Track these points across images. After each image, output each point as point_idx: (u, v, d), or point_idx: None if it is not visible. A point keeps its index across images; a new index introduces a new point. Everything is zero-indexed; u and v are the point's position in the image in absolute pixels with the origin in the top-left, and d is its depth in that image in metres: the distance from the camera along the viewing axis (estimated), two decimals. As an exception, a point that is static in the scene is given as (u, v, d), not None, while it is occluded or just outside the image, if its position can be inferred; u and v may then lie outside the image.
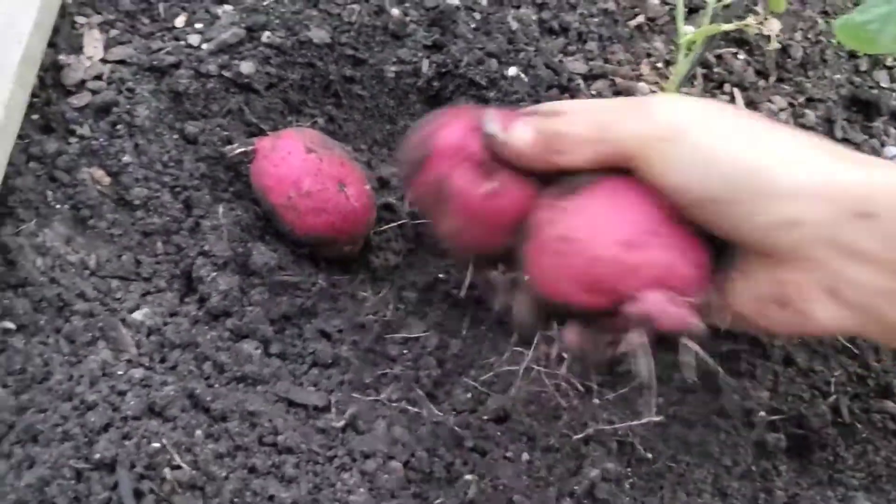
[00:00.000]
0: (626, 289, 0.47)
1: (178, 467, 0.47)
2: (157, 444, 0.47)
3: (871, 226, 0.42)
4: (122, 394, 0.51)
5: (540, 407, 0.62)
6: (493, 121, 0.49)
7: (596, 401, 0.63)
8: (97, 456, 0.46)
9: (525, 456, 0.58)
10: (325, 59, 0.70)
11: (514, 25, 0.71)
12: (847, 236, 0.43)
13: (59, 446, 0.47)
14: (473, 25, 0.71)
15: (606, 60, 0.70)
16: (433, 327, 0.64)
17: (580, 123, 0.47)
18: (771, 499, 0.56)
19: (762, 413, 0.59)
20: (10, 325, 0.54)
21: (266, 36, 0.69)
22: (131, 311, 0.58)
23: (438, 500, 0.52)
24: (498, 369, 0.63)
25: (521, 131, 0.48)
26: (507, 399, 0.61)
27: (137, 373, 0.53)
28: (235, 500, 0.47)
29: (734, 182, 0.44)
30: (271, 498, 0.47)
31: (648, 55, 0.72)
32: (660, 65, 0.72)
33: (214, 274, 0.61)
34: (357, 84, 0.70)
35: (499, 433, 0.60)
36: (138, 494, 0.45)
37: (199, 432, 0.50)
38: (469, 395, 0.62)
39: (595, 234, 0.47)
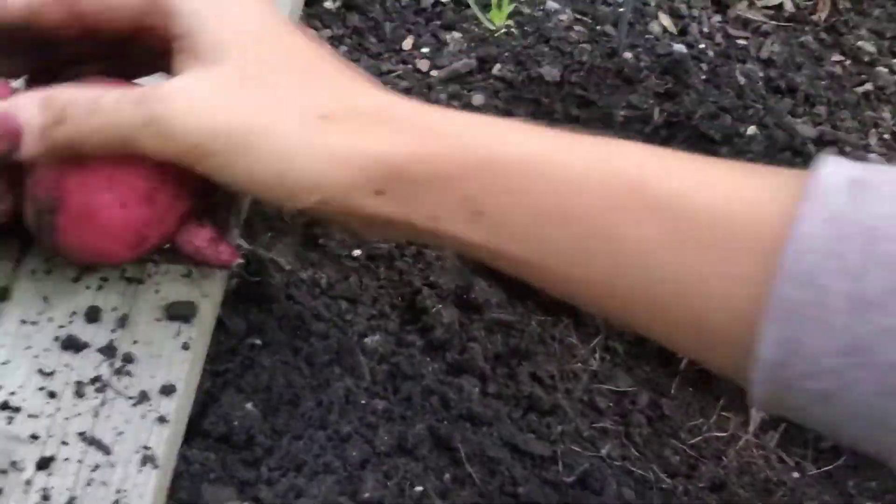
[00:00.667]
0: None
1: (443, 515, 0.47)
2: (419, 488, 0.47)
3: (384, 198, 0.43)
4: (371, 427, 0.51)
5: (752, 478, 0.62)
6: None
7: (800, 475, 0.62)
8: (366, 495, 0.46)
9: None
10: (553, 96, 0.69)
11: (742, 80, 0.70)
12: (369, 207, 0.43)
13: (325, 479, 0.47)
14: (703, 77, 0.70)
15: (835, 126, 0.69)
16: (642, 383, 0.64)
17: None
18: None
19: None
20: (257, 341, 0.55)
21: (497, 68, 0.69)
22: (362, 335, 0.58)
23: (673, 570, 0.51)
24: (707, 433, 0.62)
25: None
26: (720, 468, 0.60)
27: (380, 404, 0.53)
28: (497, 555, 0.47)
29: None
30: (535, 556, 0.47)
31: (876, 125, 0.71)
32: (887, 136, 0.70)
33: (439, 306, 0.61)
34: (583, 125, 0.70)
35: (714, 502, 0.59)
36: (406, 542, 0.45)
37: (447, 476, 0.50)
38: (678, 457, 0.61)
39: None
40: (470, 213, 0.42)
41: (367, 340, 0.59)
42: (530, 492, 0.51)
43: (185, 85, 0.44)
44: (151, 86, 0.46)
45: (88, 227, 0.45)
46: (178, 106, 0.43)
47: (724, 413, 0.64)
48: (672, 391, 0.63)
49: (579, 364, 0.64)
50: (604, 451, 0.58)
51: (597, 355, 0.65)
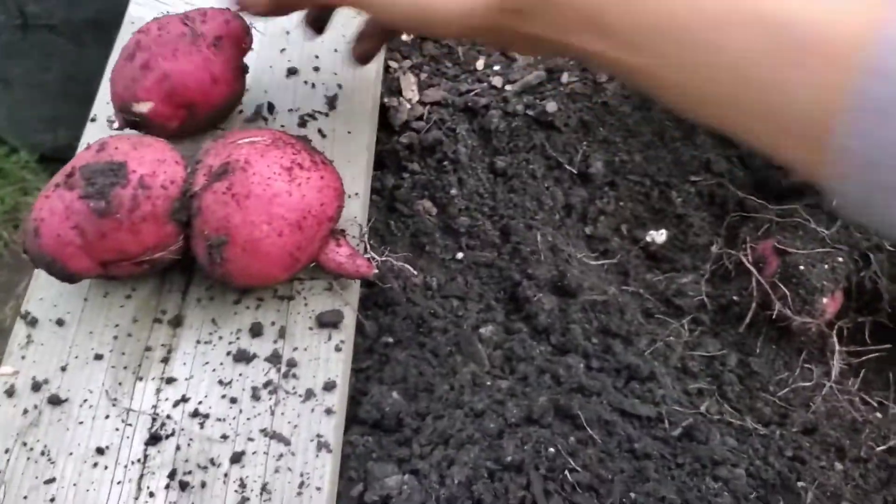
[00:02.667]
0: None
1: (575, 470, 0.54)
2: (552, 450, 0.54)
3: (522, 17, 0.50)
4: (500, 403, 0.59)
5: (840, 420, 0.67)
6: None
7: (883, 414, 0.68)
8: (508, 459, 0.53)
9: (838, 465, 0.64)
10: (617, 95, 0.76)
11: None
12: (507, 25, 0.51)
13: (471, 449, 0.54)
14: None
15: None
16: (729, 346, 0.70)
17: None
18: None
19: None
20: (389, 339, 0.63)
21: (564, 77, 0.76)
22: (475, 327, 0.66)
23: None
24: (794, 385, 0.68)
25: None
26: (810, 413, 0.66)
27: (503, 384, 0.61)
28: (624, 500, 0.53)
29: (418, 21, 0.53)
30: (662, 498, 0.54)
31: None
32: None
33: (539, 295, 0.68)
34: (645, 118, 0.76)
35: (808, 444, 0.65)
36: (547, 494, 0.52)
37: (572, 438, 0.57)
38: (769, 408, 0.67)
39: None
40: (595, 27, 0.48)
41: (482, 331, 0.66)
42: (645, 447, 0.58)
43: None
44: None
45: (253, 256, 0.53)
46: None
47: (806, 365, 0.69)
48: (757, 350, 0.69)
49: (672, 337, 0.70)
50: (703, 408, 0.64)
51: (685, 327, 0.71)
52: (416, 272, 0.64)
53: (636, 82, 0.49)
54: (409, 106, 0.75)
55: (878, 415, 0.69)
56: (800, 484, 0.60)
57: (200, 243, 0.54)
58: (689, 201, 0.75)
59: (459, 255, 0.71)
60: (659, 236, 0.74)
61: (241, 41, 0.63)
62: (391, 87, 0.76)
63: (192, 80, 0.61)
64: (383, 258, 0.64)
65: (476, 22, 0.52)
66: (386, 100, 0.75)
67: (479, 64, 0.78)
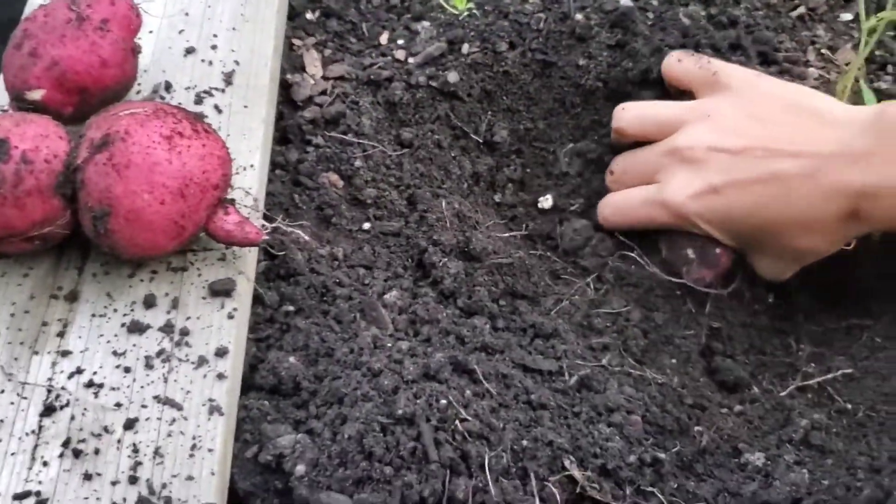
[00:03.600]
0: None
1: (466, 420, 0.55)
2: (444, 402, 0.55)
3: None
4: (398, 362, 0.59)
5: (742, 366, 0.69)
6: None
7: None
8: (399, 412, 0.54)
9: (737, 407, 0.65)
10: (518, 64, 0.77)
11: (687, 22, 0.78)
12: None
13: (364, 406, 0.55)
14: (650, 23, 0.77)
15: (776, 49, 0.76)
16: (633, 303, 0.71)
17: None
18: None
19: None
20: (290, 307, 0.63)
21: (465, 48, 0.77)
22: (381, 294, 0.67)
23: (675, 449, 0.59)
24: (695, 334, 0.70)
25: None
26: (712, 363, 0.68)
27: (404, 345, 0.62)
28: (515, 447, 0.55)
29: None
30: (550, 443, 0.55)
31: (812, 42, 0.78)
32: (824, 51, 0.78)
33: (445, 260, 0.69)
34: (546, 85, 0.78)
35: (709, 391, 0.67)
36: (437, 443, 0.53)
37: (468, 392, 0.58)
38: (674, 360, 0.69)
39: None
40: None
41: (387, 297, 0.67)
42: (541, 397, 0.59)
43: None
44: None
45: (136, 226, 0.54)
46: None
47: (711, 319, 0.71)
48: (659, 307, 0.71)
49: (577, 296, 0.71)
50: (604, 361, 0.65)
51: (591, 286, 0.72)
52: (307, 237, 0.64)
53: None
54: (312, 81, 0.76)
55: (783, 359, 0.71)
56: (696, 428, 0.61)
57: (86, 215, 0.55)
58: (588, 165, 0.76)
59: (366, 226, 0.72)
60: (545, 202, 0.76)
61: (130, 23, 0.64)
62: (295, 63, 0.77)
63: (81, 64, 0.61)
64: (290, 229, 0.65)
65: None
66: (289, 76, 0.76)
67: (383, 38, 0.80)
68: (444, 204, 0.72)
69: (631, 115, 0.72)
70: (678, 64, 0.72)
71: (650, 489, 0.55)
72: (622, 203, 0.72)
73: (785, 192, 0.65)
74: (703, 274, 0.70)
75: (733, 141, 0.66)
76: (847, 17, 0.81)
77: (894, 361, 0.68)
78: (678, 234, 0.71)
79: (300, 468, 0.52)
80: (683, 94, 0.72)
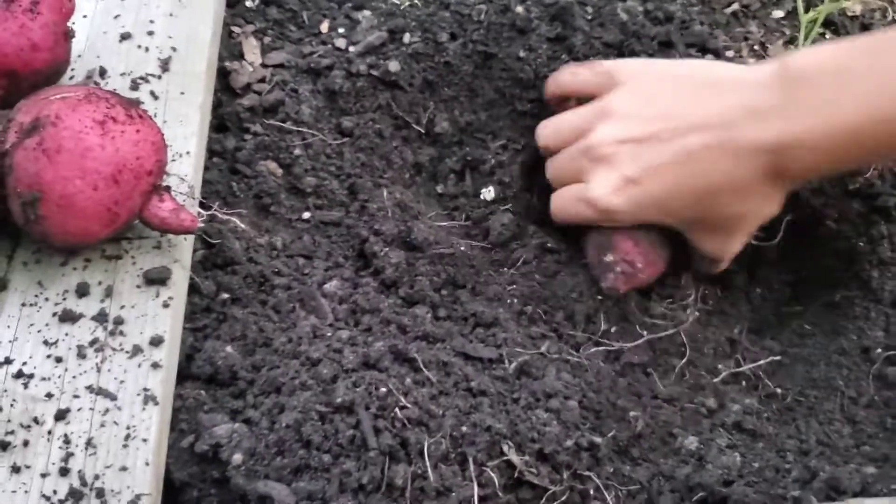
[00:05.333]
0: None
1: (405, 407, 0.55)
2: (383, 390, 0.55)
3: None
4: (338, 351, 0.59)
5: (680, 355, 0.70)
6: None
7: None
8: (338, 400, 0.54)
9: (674, 393, 0.67)
10: (459, 55, 0.77)
11: (624, 17, 0.79)
12: None
13: (302, 394, 0.55)
14: (589, 17, 0.78)
15: (705, 45, 0.78)
16: (570, 291, 0.72)
17: None
18: (897, 422, 0.64)
19: (879, 350, 0.67)
20: (226, 296, 0.63)
21: (406, 38, 0.77)
22: (321, 283, 0.66)
23: (611, 433, 0.60)
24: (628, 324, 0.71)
25: None
26: (651, 349, 0.69)
27: (344, 334, 0.61)
28: (454, 433, 0.55)
29: None
30: (488, 428, 0.55)
31: (745, 38, 0.80)
32: (756, 47, 0.79)
33: (386, 249, 0.69)
34: (486, 77, 0.78)
35: (645, 377, 0.68)
36: (376, 431, 0.53)
37: (408, 380, 0.58)
38: (602, 348, 0.70)
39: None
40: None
41: (327, 287, 0.66)
42: (481, 384, 0.60)
43: None
44: None
45: (68, 212, 0.53)
46: None
47: (658, 305, 0.72)
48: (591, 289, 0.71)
49: (514, 285, 0.72)
50: (543, 349, 0.66)
51: (525, 278, 0.73)
52: (245, 226, 0.64)
53: None
54: (251, 69, 0.75)
55: (723, 347, 0.72)
56: (632, 414, 0.62)
57: (15, 201, 0.54)
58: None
59: (306, 215, 0.71)
60: (488, 193, 0.76)
61: (61, 6, 0.62)
62: (233, 51, 0.76)
63: (9, 47, 0.59)
64: (226, 217, 0.64)
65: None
66: (228, 64, 0.75)
67: (324, 27, 0.79)
68: (385, 194, 0.72)
69: (548, 130, 0.73)
70: (576, 77, 0.73)
71: (587, 473, 0.56)
72: (560, 201, 0.72)
73: (700, 165, 0.65)
74: (618, 284, 0.70)
75: (638, 129, 0.67)
76: (779, 14, 0.83)
77: (822, 348, 0.70)
78: (595, 241, 0.71)
79: (237, 457, 0.52)
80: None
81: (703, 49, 0.78)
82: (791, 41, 0.79)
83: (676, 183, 0.66)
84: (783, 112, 0.62)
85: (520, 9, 0.78)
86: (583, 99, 0.72)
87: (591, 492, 0.56)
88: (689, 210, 0.68)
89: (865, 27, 0.83)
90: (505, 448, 0.55)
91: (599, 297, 0.70)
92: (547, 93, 0.75)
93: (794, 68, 0.62)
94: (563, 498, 0.55)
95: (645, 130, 0.66)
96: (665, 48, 0.78)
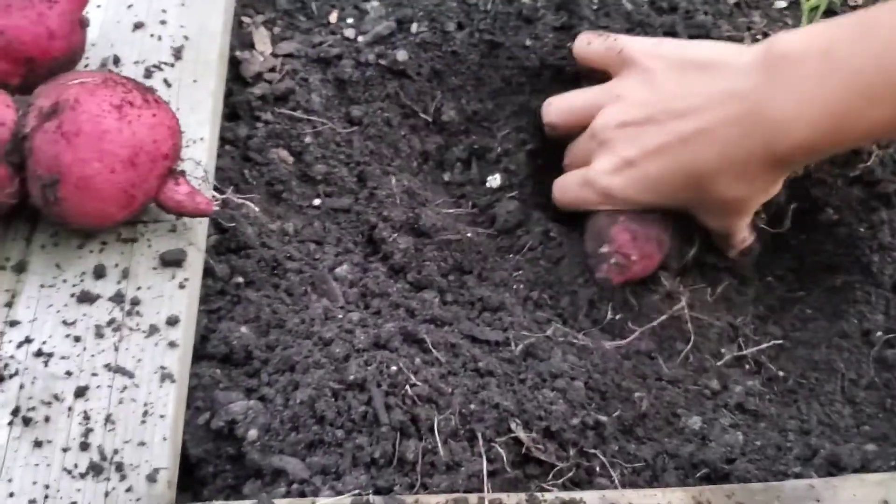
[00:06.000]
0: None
1: (415, 385, 0.56)
2: (394, 368, 0.57)
3: None
4: (349, 332, 0.61)
5: (682, 339, 0.72)
6: None
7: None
8: (351, 378, 0.55)
9: (679, 375, 0.68)
10: (466, 44, 0.79)
11: (629, 6, 0.80)
12: None
13: (315, 372, 0.56)
14: (594, 8, 0.80)
15: (709, 34, 0.79)
16: (577, 280, 0.73)
17: None
18: (896, 402, 0.65)
19: (879, 333, 0.68)
20: (241, 280, 0.64)
21: (414, 27, 0.78)
22: (331, 268, 0.67)
23: (616, 413, 0.61)
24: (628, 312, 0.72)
25: None
26: (656, 335, 0.70)
27: (355, 316, 0.63)
28: (464, 410, 0.56)
29: None
30: (496, 405, 0.56)
31: (749, 28, 0.81)
32: (759, 36, 0.81)
33: (395, 235, 0.70)
34: (493, 66, 0.79)
35: (650, 360, 0.69)
36: (388, 407, 0.55)
37: (418, 360, 0.59)
38: (615, 330, 0.71)
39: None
40: None
41: (337, 271, 0.68)
42: (489, 365, 0.61)
43: None
44: None
45: (86, 194, 0.54)
46: None
47: (653, 293, 0.73)
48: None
49: (520, 271, 0.73)
50: (549, 332, 0.67)
51: (530, 264, 0.74)
52: (258, 211, 0.65)
53: None
54: (261, 58, 0.76)
55: (727, 332, 0.74)
56: (636, 394, 0.64)
57: (35, 184, 0.55)
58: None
59: (317, 202, 0.73)
60: (494, 181, 0.77)
61: (78, -6, 0.64)
62: (244, 41, 0.78)
63: (27, 35, 0.61)
64: (240, 201, 0.65)
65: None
66: (238, 53, 0.76)
67: (333, 17, 0.80)
68: (393, 181, 0.73)
69: (555, 108, 0.75)
70: (589, 47, 0.74)
71: (592, 451, 0.58)
72: (563, 185, 0.74)
73: (693, 148, 0.66)
74: (611, 275, 0.70)
75: (639, 113, 0.68)
76: (781, 3, 0.84)
77: (823, 332, 0.71)
78: (593, 231, 0.72)
79: (252, 433, 0.53)
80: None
81: (707, 39, 0.79)
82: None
83: (671, 165, 0.67)
84: (764, 94, 0.62)
85: (526, -1, 0.79)
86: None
87: (597, 468, 0.57)
88: (686, 192, 0.69)
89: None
90: (513, 425, 0.56)
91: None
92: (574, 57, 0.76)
93: (777, 49, 0.62)
94: (570, 474, 0.56)
95: (644, 113, 0.68)
96: (669, 38, 0.79)
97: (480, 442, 0.55)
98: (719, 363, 0.69)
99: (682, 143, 0.66)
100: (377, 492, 0.52)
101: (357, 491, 0.51)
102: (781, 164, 0.65)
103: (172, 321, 0.56)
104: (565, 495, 0.52)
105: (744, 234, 0.74)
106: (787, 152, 0.63)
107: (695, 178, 0.67)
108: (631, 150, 0.68)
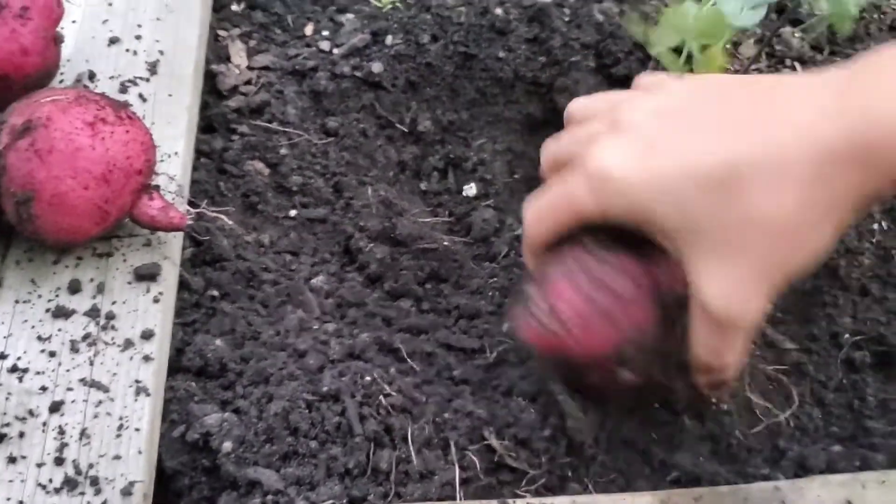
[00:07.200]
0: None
1: (389, 395, 0.57)
2: (368, 378, 0.57)
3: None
4: (324, 343, 0.61)
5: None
6: None
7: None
8: (325, 389, 0.56)
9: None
10: (441, 56, 0.80)
11: (600, 18, 0.81)
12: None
13: (289, 384, 0.57)
14: (566, 19, 0.81)
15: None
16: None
17: None
18: (864, 404, 0.66)
19: (847, 335, 0.70)
20: (216, 292, 0.64)
21: (389, 39, 0.79)
22: (307, 279, 0.68)
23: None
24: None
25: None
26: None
27: (330, 327, 0.63)
28: (437, 419, 0.57)
29: None
30: (469, 413, 0.57)
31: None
32: (728, 46, 0.82)
33: (371, 245, 0.71)
34: (467, 77, 0.80)
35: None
36: (362, 418, 0.55)
37: (392, 369, 0.60)
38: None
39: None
40: None
41: (313, 282, 0.68)
42: (464, 373, 0.62)
43: None
44: None
45: (60, 210, 0.55)
46: None
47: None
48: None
49: (495, 279, 0.74)
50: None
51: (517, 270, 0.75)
52: (233, 224, 0.66)
53: None
54: (237, 71, 0.77)
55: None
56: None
57: (9, 201, 0.55)
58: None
59: (293, 213, 0.73)
60: (470, 190, 0.78)
61: (51, 12, 0.64)
62: (220, 54, 0.78)
63: (0, 52, 0.61)
64: (214, 214, 0.66)
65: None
66: (214, 66, 0.77)
67: (308, 30, 0.81)
68: (370, 191, 0.74)
69: (579, 104, 0.57)
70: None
71: (565, 460, 0.58)
72: (539, 202, 0.55)
73: (735, 122, 0.48)
74: (523, 330, 0.53)
75: (666, 102, 0.51)
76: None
77: (793, 335, 0.72)
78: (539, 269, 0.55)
79: (227, 445, 0.54)
80: None
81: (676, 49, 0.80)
82: (760, 40, 0.81)
83: (700, 148, 0.48)
84: (856, 84, 0.46)
85: (499, 10, 0.80)
86: None
87: (569, 474, 0.58)
88: (704, 202, 0.47)
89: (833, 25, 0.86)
90: (486, 433, 0.57)
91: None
92: None
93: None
94: (543, 480, 0.57)
95: (680, 101, 0.51)
96: (640, 48, 0.80)
97: (453, 450, 0.55)
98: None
99: (729, 116, 0.48)
100: (351, 502, 0.52)
101: (331, 501, 0.52)
102: (867, 181, 0.45)
103: (147, 335, 0.57)
104: (536, 501, 0.53)
105: (735, 353, 0.51)
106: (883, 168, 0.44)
107: (725, 176, 0.46)
108: (651, 133, 0.50)
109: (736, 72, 0.80)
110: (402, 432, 0.55)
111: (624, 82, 0.80)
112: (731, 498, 0.53)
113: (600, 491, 0.58)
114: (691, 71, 0.68)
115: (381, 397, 0.56)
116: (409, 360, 0.61)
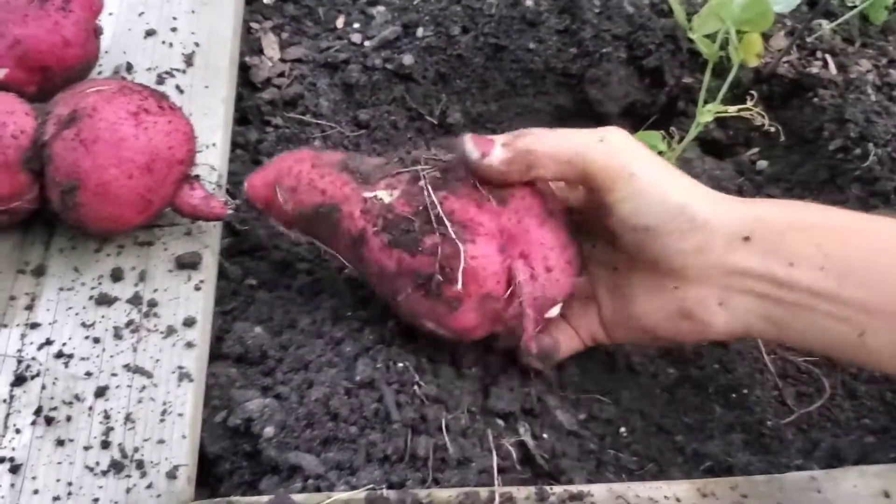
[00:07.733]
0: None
1: (421, 385, 0.58)
2: (400, 365, 0.58)
3: (748, 247, 0.53)
4: (358, 331, 0.62)
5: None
6: (473, 148, 0.54)
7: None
8: (358, 378, 0.57)
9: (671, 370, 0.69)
10: (471, 48, 0.80)
11: (630, 10, 0.81)
12: (733, 258, 0.53)
13: (328, 371, 0.58)
14: (596, 10, 0.81)
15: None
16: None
17: (548, 143, 0.54)
18: (896, 396, 0.66)
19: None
20: (253, 281, 0.65)
21: (420, 32, 0.80)
22: (341, 269, 0.69)
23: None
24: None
25: (498, 152, 0.54)
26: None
27: (363, 315, 0.64)
28: (472, 409, 0.58)
29: (669, 215, 0.53)
30: (503, 409, 0.58)
31: (747, 30, 0.83)
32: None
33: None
34: (497, 68, 0.81)
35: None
36: (399, 406, 0.56)
37: (423, 358, 0.61)
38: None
39: None
40: (821, 256, 0.51)
41: (347, 271, 0.69)
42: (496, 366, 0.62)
43: None
44: None
45: (105, 199, 0.56)
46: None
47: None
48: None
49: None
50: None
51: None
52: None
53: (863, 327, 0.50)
54: (270, 64, 0.78)
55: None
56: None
57: (54, 190, 0.56)
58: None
59: (327, 205, 0.74)
60: None
61: (91, 4, 0.65)
62: (253, 46, 0.79)
63: (43, 43, 0.62)
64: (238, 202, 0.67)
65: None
66: (247, 59, 0.78)
67: (340, 22, 0.82)
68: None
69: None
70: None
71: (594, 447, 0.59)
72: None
73: None
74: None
75: None
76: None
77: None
78: None
79: (269, 430, 0.55)
80: None
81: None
82: (791, 32, 0.82)
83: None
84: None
85: (529, 2, 0.81)
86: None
87: (606, 462, 0.58)
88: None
89: (865, 17, 0.86)
90: (521, 430, 0.58)
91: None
92: None
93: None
94: (577, 471, 0.57)
95: None
96: (671, 40, 0.80)
97: (490, 439, 0.56)
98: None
99: None
100: (390, 486, 0.53)
101: (371, 485, 0.53)
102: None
103: (189, 322, 0.58)
104: (573, 488, 0.54)
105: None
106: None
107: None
108: None
109: (767, 63, 0.80)
110: (437, 422, 0.56)
111: (654, 73, 0.80)
112: (767, 487, 0.54)
113: (634, 479, 0.58)
114: (726, 57, 0.69)
115: (415, 386, 0.57)
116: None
